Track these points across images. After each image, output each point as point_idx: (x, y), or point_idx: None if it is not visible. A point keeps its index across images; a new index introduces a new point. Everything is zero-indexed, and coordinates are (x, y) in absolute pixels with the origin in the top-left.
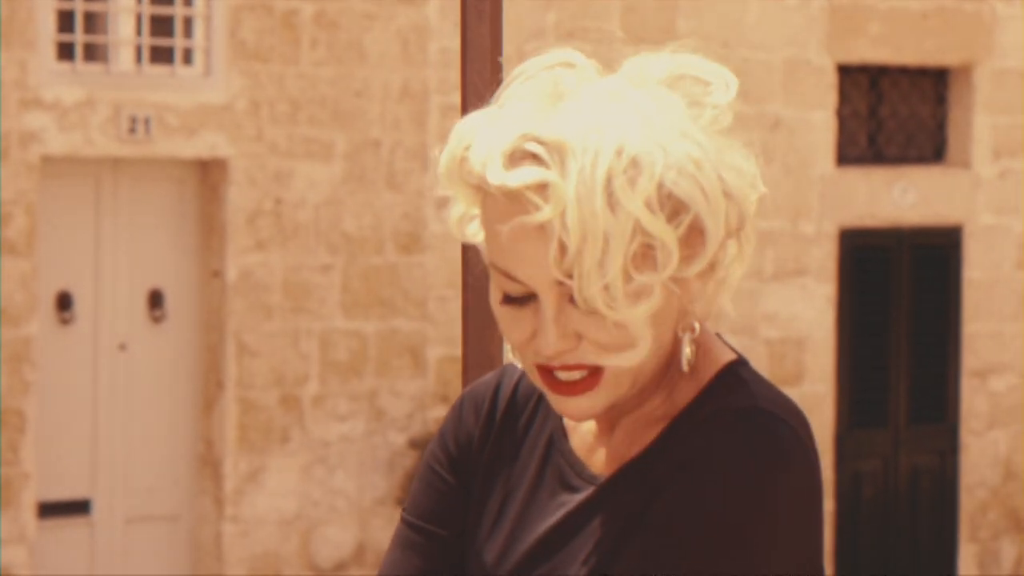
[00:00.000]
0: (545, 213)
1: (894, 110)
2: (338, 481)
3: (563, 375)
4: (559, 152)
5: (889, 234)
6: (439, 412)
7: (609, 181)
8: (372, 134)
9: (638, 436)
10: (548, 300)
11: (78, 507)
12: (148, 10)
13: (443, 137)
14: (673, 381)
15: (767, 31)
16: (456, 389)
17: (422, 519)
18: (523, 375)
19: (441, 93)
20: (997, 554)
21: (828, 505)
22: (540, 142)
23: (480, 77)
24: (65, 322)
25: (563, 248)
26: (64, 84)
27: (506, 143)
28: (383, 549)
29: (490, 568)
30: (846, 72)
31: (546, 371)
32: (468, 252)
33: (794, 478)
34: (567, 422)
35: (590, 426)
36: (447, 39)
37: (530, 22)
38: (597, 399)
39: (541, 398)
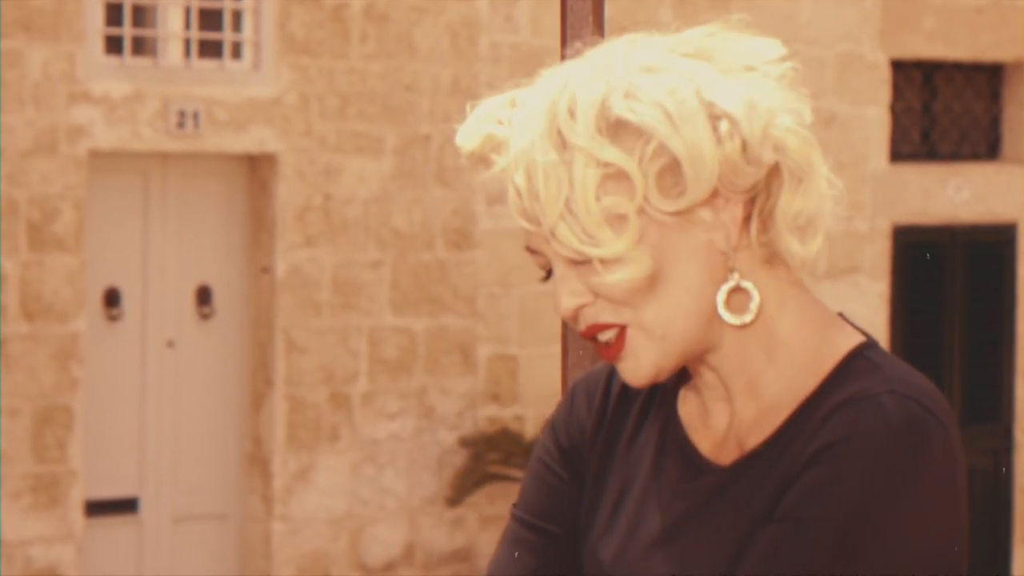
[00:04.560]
0: (497, 165)
1: (948, 106)
2: (387, 480)
3: (601, 337)
4: (510, 110)
5: (943, 231)
6: (489, 410)
7: (552, 119)
8: (422, 129)
9: (758, 425)
10: (552, 256)
11: (126, 505)
12: (197, 3)
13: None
14: (782, 362)
15: (820, 26)
16: (506, 387)
17: (534, 515)
18: None
19: (492, 87)
20: None
21: None
22: (501, 107)
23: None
24: (113, 319)
25: (521, 196)
26: (112, 78)
27: (472, 119)
28: (432, 549)
29: (607, 566)
30: (900, 67)
31: (591, 339)
32: None
33: (936, 465)
34: (682, 410)
35: (706, 414)
36: (497, 33)
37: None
38: (641, 360)
39: (655, 386)
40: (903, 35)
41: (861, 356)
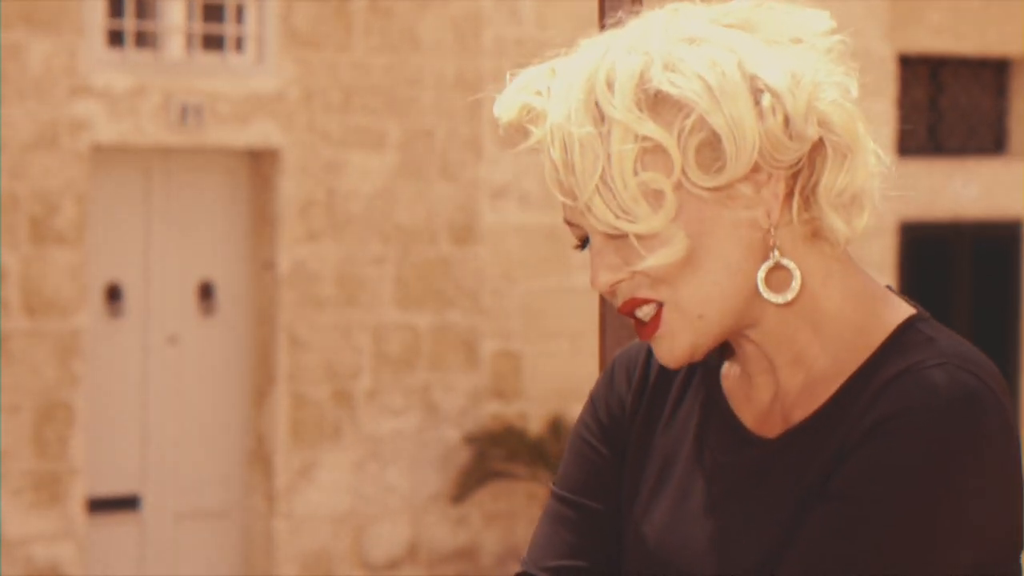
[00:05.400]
0: (534, 136)
1: (954, 101)
2: (391, 477)
3: (638, 313)
4: (549, 79)
5: (949, 227)
6: (493, 407)
7: (590, 91)
8: (426, 123)
9: (804, 397)
10: (589, 230)
11: (127, 503)
12: None
13: (498, 126)
14: (828, 337)
15: None
16: (510, 384)
17: (573, 492)
18: None
19: (496, 82)
20: None
21: None
22: (539, 77)
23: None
24: (115, 314)
25: (556, 168)
26: (114, 71)
27: (511, 89)
28: (436, 546)
29: (652, 540)
30: (906, 62)
31: (629, 316)
32: None
33: (992, 438)
34: (725, 383)
35: (749, 386)
36: (502, 27)
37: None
38: (676, 340)
39: None
40: (910, 29)
41: (912, 328)
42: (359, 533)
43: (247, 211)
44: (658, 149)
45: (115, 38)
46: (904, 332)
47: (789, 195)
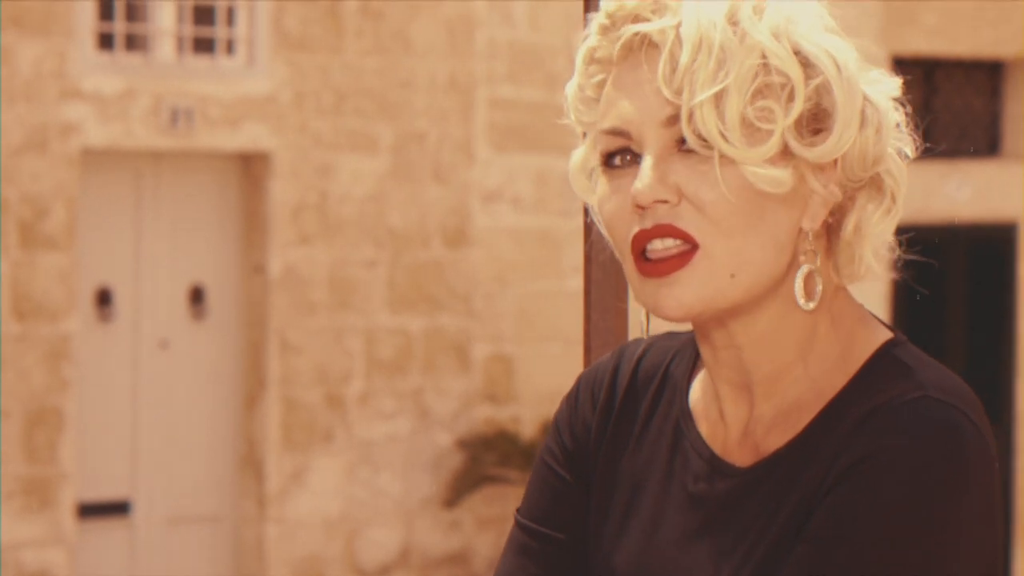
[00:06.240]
0: (659, 23)
1: (948, 103)
2: (383, 481)
3: (657, 245)
4: None
5: (943, 230)
6: (485, 411)
7: (734, 10)
8: (418, 126)
9: (778, 425)
10: (652, 142)
11: (118, 508)
12: None
13: (491, 129)
14: (813, 360)
15: None
16: (503, 387)
17: (537, 521)
18: (643, 354)
19: (488, 85)
20: None
21: None
22: None
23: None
24: (105, 318)
25: (675, 63)
26: (104, 74)
27: None
28: (429, 551)
29: (621, 572)
30: (900, 64)
31: (639, 244)
32: (592, 225)
33: (974, 473)
34: (694, 406)
35: (719, 410)
36: (494, 29)
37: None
38: (689, 287)
39: (665, 379)
40: (903, 31)
41: (888, 354)
42: (351, 538)
43: (238, 215)
44: (784, 88)
45: (105, 41)
46: (880, 359)
47: (838, 211)
